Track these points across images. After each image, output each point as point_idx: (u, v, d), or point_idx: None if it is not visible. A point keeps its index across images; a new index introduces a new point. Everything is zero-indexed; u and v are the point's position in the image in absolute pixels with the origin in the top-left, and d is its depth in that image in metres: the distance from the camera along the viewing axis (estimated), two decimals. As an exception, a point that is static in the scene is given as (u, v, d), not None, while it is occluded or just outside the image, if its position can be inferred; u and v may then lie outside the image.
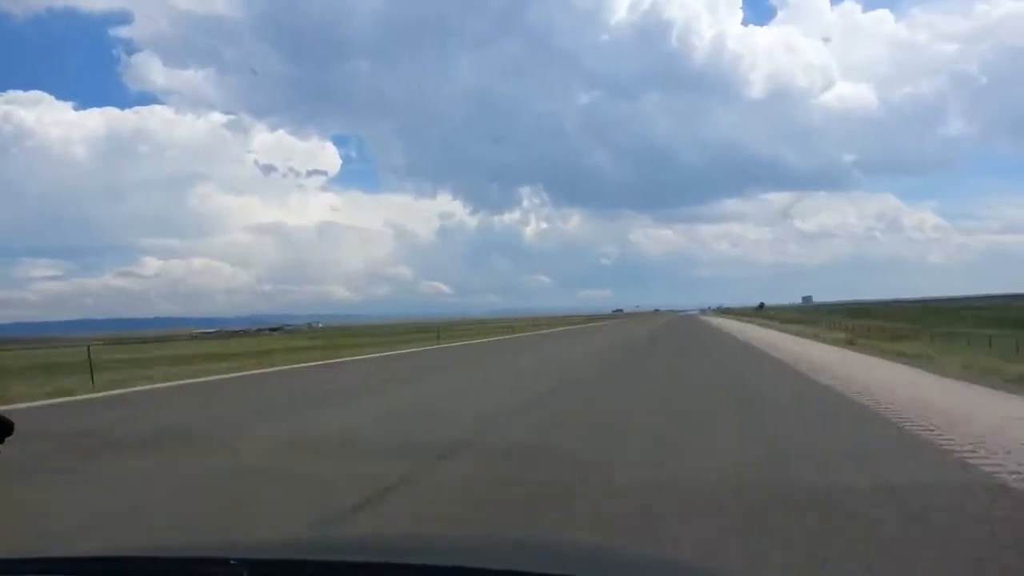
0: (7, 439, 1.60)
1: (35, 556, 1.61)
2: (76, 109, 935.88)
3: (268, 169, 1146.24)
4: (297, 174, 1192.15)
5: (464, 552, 1.82)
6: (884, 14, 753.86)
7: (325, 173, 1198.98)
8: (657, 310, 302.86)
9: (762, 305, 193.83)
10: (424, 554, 1.75)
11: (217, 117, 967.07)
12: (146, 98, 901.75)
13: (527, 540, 3.05)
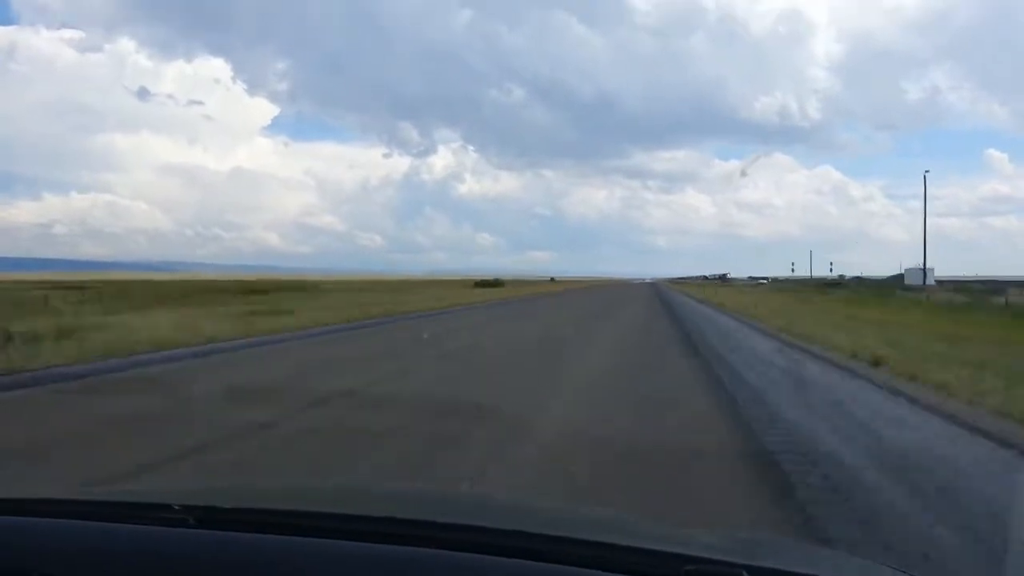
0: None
1: None
2: None
3: (143, 94, 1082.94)
4: (177, 102, 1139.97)
5: (428, 505, 1.80)
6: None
7: (202, 103, 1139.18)
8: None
9: (725, 277, 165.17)
10: (392, 505, 1.69)
11: (69, 34, 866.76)
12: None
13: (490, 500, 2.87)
